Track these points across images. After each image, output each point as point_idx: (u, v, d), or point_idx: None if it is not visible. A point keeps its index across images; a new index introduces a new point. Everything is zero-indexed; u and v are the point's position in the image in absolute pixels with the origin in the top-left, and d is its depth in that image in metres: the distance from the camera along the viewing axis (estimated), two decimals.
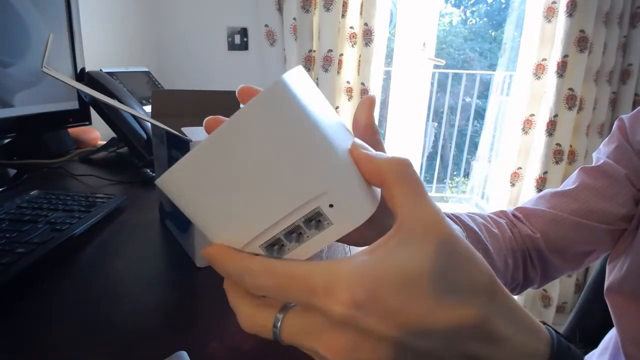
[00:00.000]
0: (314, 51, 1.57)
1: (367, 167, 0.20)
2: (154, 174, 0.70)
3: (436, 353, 0.18)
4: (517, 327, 0.20)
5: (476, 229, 0.50)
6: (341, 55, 1.57)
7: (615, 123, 0.52)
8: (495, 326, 0.19)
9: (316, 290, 0.18)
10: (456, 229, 0.47)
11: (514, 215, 0.54)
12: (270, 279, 0.19)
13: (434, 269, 0.18)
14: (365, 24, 1.53)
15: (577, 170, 0.53)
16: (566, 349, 0.21)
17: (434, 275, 0.18)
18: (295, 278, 0.18)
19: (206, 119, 0.24)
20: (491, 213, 0.55)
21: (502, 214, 0.55)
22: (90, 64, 0.86)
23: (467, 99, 3.41)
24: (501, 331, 0.19)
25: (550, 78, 1.54)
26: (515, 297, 1.64)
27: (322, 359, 0.19)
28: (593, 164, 0.52)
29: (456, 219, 0.51)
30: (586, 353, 0.58)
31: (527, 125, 1.64)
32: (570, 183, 0.53)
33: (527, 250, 0.51)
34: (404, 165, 0.19)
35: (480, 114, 3.05)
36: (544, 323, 0.24)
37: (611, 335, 0.54)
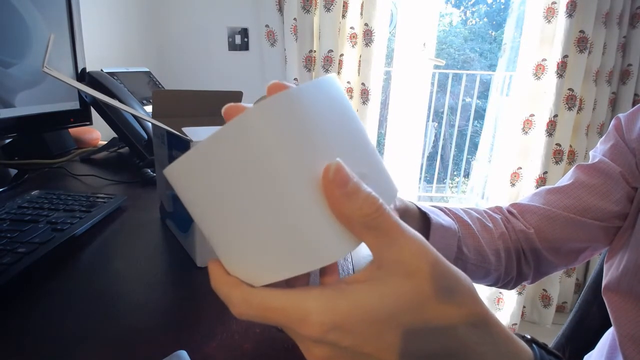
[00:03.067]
0: (315, 51, 1.57)
1: (340, 217, 0.20)
2: (154, 174, 0.70)
3: None
4: (499, 350, 0.21)
5: (469, 222, 0.50)
6: (341, 55, 1.57)
7: (612, 121, 0.53)
8: (470, 355, 0.21)
9: (291, 321, 0.20)
10: (448, 222, 0.47)
11: (509, 212, 0.55)
12: (249, 309, 0.21)
13: (408, 303, 0.19)
14: (366, 25, 1.53)
15: (573, 167, 0.54)
16: None
17: (407, 308, 0.19)
18: (272, 310, 0.20)
19: (226, 105, 0.24)
20: (487, 208, 0.56)
21: (498, 209, 0.56)
22: (91, 64, 0.86)
23: (467, 99, 3.41)
24: (476, 358, 0.21)
25: (550, 78, 1.54)
26: (515, 296, 1.64)
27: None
28: (589, 162, 0.52)
29: (450, 212, 0.51)
30: (584, 354, 0.58)
31: (527, 125, 1.64)
32: (565, 180, 0.53)
33: (521, 245, 0.52)
34: (368, 216, 0.19)
35: (480, 114, 3.05)
36: (533, 340, 0.25)
37: (609, 334, 0.54)
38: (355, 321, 0.19)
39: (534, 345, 0.24)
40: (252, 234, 0.20)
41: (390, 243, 0.20)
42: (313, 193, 0.19)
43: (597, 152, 0.53)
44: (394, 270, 0.20)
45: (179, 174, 0.21)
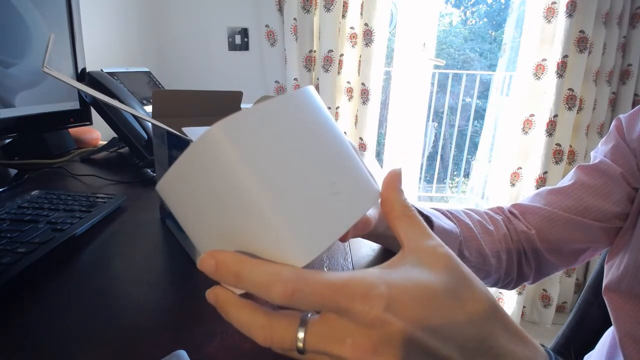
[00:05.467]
0: (315, 51, 1.57)
1: (384, 201, 0.25)
2: (154, 174, 0.70)
3: (442, 355, 0.20)
4: (517, 341, 0.22)
5: (471, 225, 0.50)
6: (341, 55, 1.57)
7: (613, 122, 0.53)
8: (498, 342, 0.21)
9: (354, 296, 0.19)
10: (450, 226, 0.48)
11: (510, 212, 0.55)
12: (305, 285, 0.19)
13: (445, 286, 0.21)
14: (366, 25, 1.53)
15: (574, 168, 0.54)
16: None
17: (445, 290, 0.21)
18: (332, 285, 0.19)
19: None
20: (488, 209, 0.56)
21: (499, 210, 0.56)
22: (91, 64, 0.86)
23: (467, 99, 3.41)
24: (505, 346, 0.22)
25: (550, 78, 1.54)
26: (515, 296, 1.65)
27: None
28: (590, 162, 0.52)
29: (452, 215, 0.51)
30: (584, 354, 0.58)
31: (527, 125, 1.64)
32: (566, 181, 0.53)
33: (522, 246, 0.52)
34: (406, 207, 0.24)
35: (480, 114, 3.05)
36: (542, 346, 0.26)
37: (609, 333, 0.54)
38: (408, 297, 0.20)
39: (549, 350, 0.24)
40: (225, 244, 0.21)
41: (423, 233, 0.23)
42: (273, 205, 0.19)
43: (598, 152, 0.53)
44: (430, 253, 0.22)
45: (164, 189, 0.22)
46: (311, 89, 0.24)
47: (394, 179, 0.25)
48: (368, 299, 0.19)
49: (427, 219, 0.47)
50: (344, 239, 0.29)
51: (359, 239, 0.50)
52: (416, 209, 0.48)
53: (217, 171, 0.19)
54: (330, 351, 0.20)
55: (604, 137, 0.54)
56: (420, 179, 2.77)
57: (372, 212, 0.32)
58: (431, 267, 0.21)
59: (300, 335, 0.20)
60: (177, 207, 0.22)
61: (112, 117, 0.78)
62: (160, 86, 1.21)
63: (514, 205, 0.55)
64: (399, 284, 0.20)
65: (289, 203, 0.20)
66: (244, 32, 1.66)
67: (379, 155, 2.35)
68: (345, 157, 0.24)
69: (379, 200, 0.25)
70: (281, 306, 0.23)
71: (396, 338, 0.19)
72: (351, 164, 0.24)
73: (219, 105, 0.52)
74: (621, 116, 0.52)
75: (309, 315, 0.21)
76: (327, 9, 1.49)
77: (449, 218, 0.50)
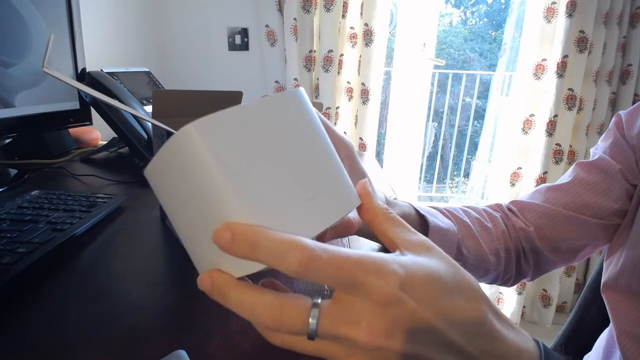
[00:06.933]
0: (315, 51, 1.57)
1: (365, 210, 0.25)
2: None
3: (448, 338, 0.21)
4: (509, 328, 0.24)
5: (469, 222, 0.50)
6: (341, 55, 1.57)
7: (613, 119, 0.53)
8: (494, 326, 0.23)
9: (368, 271, 0.19)
10: (447, 224, 0.48)
11: (508, 209, 0.55)
12: (324, 252, 0.19)
13: (446, 273, 0.22)
14: (366, 25, 1.53)
15: (574, 165, 0.54)
16: (553, 351, 0.25)
17: (447, 277, 0.22)
18: (348, 260, 0.19)
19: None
20: (487, 206, 0.56)
21: (498, 207, 0.56)
22: (91, 64, 0.86)
23: (467, 99, 3.41)
24: (499, 331, 0.23)
25: (550, 78, 1.54)
26: (515, 296, 1.65)
27: (357, 346, 0.20)
28: (589, 159, 0.52)
29: (449, 213, 0.51)
30: (584, 354, 0.58)
31: (527, 125, 1.64)
32: (565, 177, 0.53)
33: (521, 243, 0.52)
34: (388, 212, 0.25)
35: (480, 114, 3.05)
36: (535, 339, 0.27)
37: (606, 332, 0.54)
38: (420, 279, 0.20)
39: (537, 339, 0.26)
40: (200, 233, 0.21)
41: (409, 230, 0.24)
42: (238, 202, 0.20)
43: (598, 149, 0.53)
44: (423, 246, 0.23)
45: (149, 174, 0.23)
46: (300, 91, 0.24)
47: (366, 188, 0.26)
48: (384, 274, 0.19)
49: (423, 219, 0.47)
50: (321, 240, 0.29)
51: (359, 238, 0.50)
52: (414, 207, 0.48)
53: (190, 166, 0.20)
54: (344, 334, 0.19)
55: (604, 134, 0.53)
56: (420, 179, 2.77)
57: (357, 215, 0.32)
58: (431, 256, 0.22)
59: (313, 318, 0.19)
60: (160, 194, 0.23)
61: (112, 117, 0.78)
62: (160, 86, 1.21)
63: (512, 202, 0.55)
64: (411, 266, 0.21)
65: (256, 202, 0.20)
66: (244, 32, 1.66)
67: (379, 155, 2.35)
68: (325, 163, 0.23)
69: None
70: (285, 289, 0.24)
71: (409, 319, 0.20)
72: (331, 170, 0.24)
73: (219, 105, 0.51)
74: (621, 112, 0.52)
75: (320, 299, 0.20)
76: (327, 9, 1.49)
77: (446, 216, 0.50)
